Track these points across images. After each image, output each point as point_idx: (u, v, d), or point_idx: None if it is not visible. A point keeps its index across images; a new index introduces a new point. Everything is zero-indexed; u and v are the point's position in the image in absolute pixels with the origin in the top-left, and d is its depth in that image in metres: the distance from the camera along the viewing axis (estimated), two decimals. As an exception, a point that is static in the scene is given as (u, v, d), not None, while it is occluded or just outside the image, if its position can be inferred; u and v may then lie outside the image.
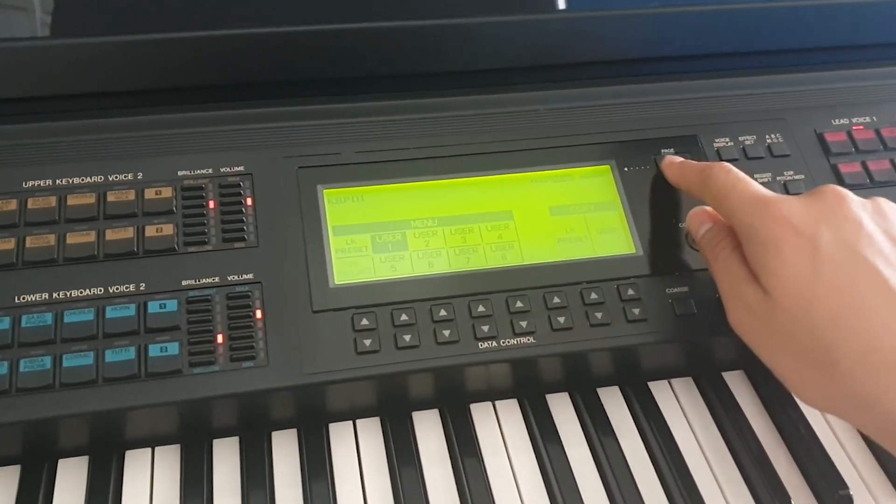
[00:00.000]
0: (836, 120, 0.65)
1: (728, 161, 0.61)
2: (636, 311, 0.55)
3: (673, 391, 0.59)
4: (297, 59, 0.63)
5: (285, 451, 0.54)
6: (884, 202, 0.49)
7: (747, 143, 0.63)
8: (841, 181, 0.62)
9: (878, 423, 0.45)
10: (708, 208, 0.56)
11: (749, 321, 0.50)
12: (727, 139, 0.63)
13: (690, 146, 0.62)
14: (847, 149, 0.63)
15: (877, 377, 0.43)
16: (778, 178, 0.62)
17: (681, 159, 0.59)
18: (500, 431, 0.56)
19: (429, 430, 0.56)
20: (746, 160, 0.62)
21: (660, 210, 0.60)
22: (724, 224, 0.54)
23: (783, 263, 0.47)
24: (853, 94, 0.67)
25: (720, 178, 0.53)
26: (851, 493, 0.52)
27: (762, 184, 0.60)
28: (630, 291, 0.56)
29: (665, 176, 0.59)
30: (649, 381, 0.59)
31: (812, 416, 0.58)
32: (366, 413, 0.56)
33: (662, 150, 0.62)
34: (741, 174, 0.53)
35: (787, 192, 0.61)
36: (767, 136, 0.63)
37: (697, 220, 0.56)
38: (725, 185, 0.52)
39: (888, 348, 0.43)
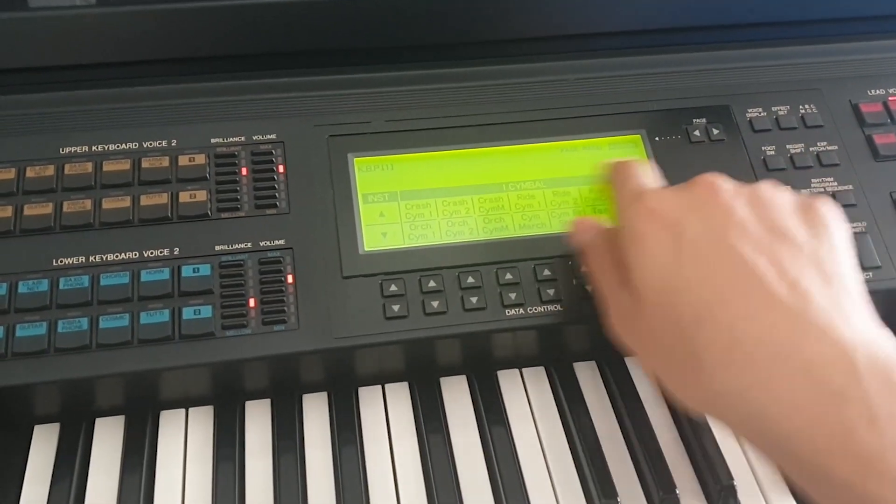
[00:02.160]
0: (872, 90, 0.64)
1: (761, 132, 0.61)
2: (664, 279, 0.55)
3: (701, 361, 0.59)
4: (329, 29, 0.63)
5: (316, 414, 0.55)
6: (765, 188, 0.46)
7: (781, 113, 0.62)
8: (875, 152, 0.61)
9: (743, 422, 0.40)
10: (588, 218, 0.54)
11: (621, 325, 0.48)
12: (760, 109, 0.62)
13: (723, 116, 0.62)
14: (882, 119, 0.62)
15: (739, 373, 0.40)
16: (811, 149, 0.61)
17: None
18: (527, 398, 0.57)
19: (456, 396, 0.57)
20: (779, 130, 0.61)
21: (690, 179, 0.59)
22: (602, 230, 0.52)
23: (644, 255, 0.44)
24: (890, 65, 0.66)
25: (613, 178, 0.51)
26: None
27: (795, 154, 0.60)
28: (658, 260, 0.56)
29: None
30: (677, 350, 0.59)
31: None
32: (394, 378, 0.57)
33: (694, 120, 0.61)
34: (636, 169, 0.50)
35: (820, 163, 0.60)
36: (801, 107, 0.63)
37: (579, 230, 0.54)
38: (615, 184, 0.50)
39: (751, 341, 0.40)
